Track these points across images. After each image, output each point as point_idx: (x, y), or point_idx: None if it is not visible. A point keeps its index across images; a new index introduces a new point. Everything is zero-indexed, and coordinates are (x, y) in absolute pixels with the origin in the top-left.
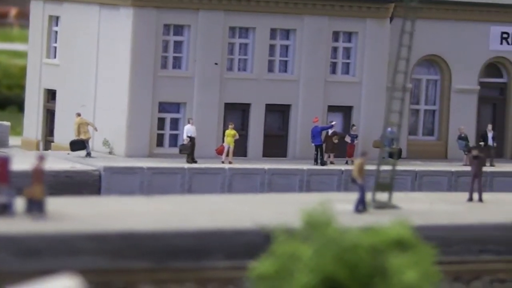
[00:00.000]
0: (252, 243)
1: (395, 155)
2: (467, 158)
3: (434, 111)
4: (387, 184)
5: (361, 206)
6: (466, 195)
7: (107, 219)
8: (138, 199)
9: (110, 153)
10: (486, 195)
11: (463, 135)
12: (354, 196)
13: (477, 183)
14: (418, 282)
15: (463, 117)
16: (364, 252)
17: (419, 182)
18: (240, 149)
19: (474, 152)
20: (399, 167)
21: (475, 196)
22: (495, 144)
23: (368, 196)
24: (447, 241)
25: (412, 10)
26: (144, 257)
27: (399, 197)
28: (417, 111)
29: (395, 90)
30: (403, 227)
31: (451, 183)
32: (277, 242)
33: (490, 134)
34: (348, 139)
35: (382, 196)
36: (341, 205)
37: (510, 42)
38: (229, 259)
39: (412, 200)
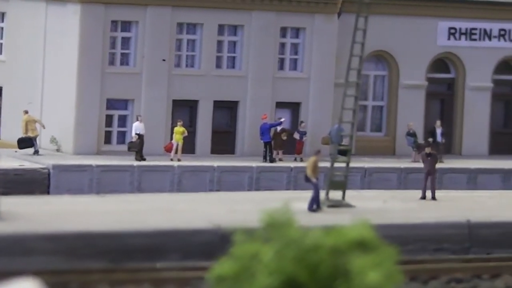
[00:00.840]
0: (208, 243)
1: (348, 153)
2: (415, 155)
3: (382, 107)
4: (341, 183)
5: (315, 205)
6: (417, 192)
7: (61, 219)
8: (90, 198)
9: (58, 150)
10: (438, 193)
11: (411, 131)
12: (305, 194)
13: (430, 180)
14: (381, 283)
15: (411, 113)
16: (325, 253)
17: (368, 179)
18: (188, 146)
19: (428, 150)
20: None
21: (428, 194)
22: (443, 140)
23: (322, 194)
24: (402, 240)
25: (365, 6)
26: (100, 257)
27: (352, 195)
28: (365, 107)
29: (348, 87)
30: (364, 227)
31: (400, 179)
32: (236, 243)
33: (439, 130)
34: (296, 135)
35: (336, 195)
36: (294, 203)
37: (458, 37)
38: (185, 259)
39: (365, 198)
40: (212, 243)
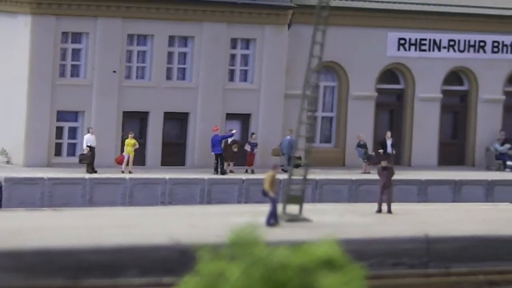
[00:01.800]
0: (168, 259)
1: (306, 167)
2: (365, 166)
3: (331, 118)
4: (298, 197)
5: (272, 219)
6: (372, 205)
7: (18, 235)
8: (46, 213)
9: (8, 162)
10: (393, 206)
11: (362, 142)
12: (259, 207)
13: (386, 194)
14: None
15: (361, 124)
16: (293, 272)
17: (320, 191)
18: (139, 158)
19: (383, 163)
20: (300, 176)
21: (384, 207)
22: (394, 152)
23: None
24: (360, 255)
25: (323, 19)
26: (59, 274)
27: (308, 209)
28: (315, 118)
29: (305, 100)
30: (331, 245)
31: (351, 191)
32: (201, 261)
33: (389, 142)
34: (247, 147)
35: (293, 208)
36: (251, 217)
37: (407, 48)
38: (145, 276)
39: (321, 212)
40: (172, 259)
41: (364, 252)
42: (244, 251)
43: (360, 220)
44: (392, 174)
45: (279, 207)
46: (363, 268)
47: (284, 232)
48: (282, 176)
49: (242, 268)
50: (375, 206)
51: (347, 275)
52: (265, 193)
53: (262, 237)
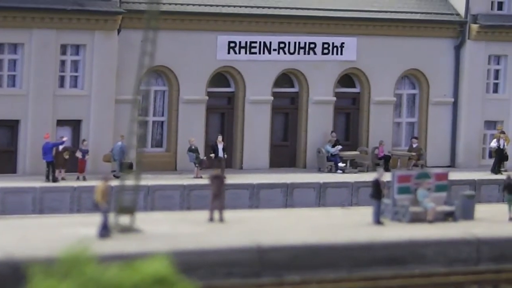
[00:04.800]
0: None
1: (137, 178)
2: (197, 170)
3: (162, 122)
4: (130, 207)
5: (104, 231)
6: (205, 212)
7: None
8: None
9: None
10: (226, 213)
11: (193, 147)
12: (92, 218)
13: (218, 202)
14: None
15: (192, 128)
16: None
17: (151, 197)
18: None
19: (215, 172)
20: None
21: (216, 215)
22: (225, 156)
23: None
24: (192, 265)
25: (154, 30)
26: None
27: (140, 218)
28: (146, 122)
29: (135, 110)
30: (162, 262)
31: (183, 197)
32: (33, 278)
33: (220, 146)
34: (79, 154)
35: (125, 219)
36: (82, 229)
37: (237, 51)
38: None
39: (153, 221)
40: (4, 275)
41: (196, 263)
42: (76, 269)
43: (192, 230)
44: (223, 182)
45: (111, 217)
46: (193, 284)
47: (116, 244)
48: (114, 183)
49: (74, 287)
50: (207, 213)
51: None
52: (96, 205)
53: (93, 254)
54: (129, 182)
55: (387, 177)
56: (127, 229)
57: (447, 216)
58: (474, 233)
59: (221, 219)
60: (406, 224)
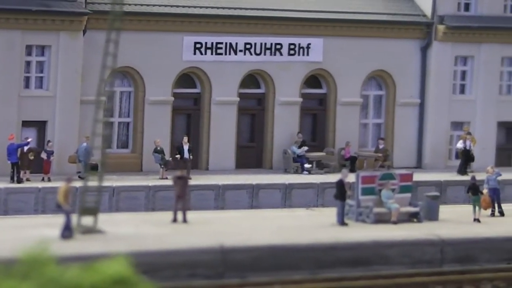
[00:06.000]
0: None
1: (100, 179)
2: (163, 171)
3: (128, 123)
4: (93, 208)
5: (67, 232)
6: (168, 213)
7: None
8: None
9: None
10: (190, 214)
11: (159, 148)
12: (55, 218)
13: (182, 203)
14: None
15: (158, 129)
16: None
17: (116, 198)
18: None
19: (178, 173)
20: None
21: (180, 216)
22: (191, 157)
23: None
24: (155, 267)
25: (117, 30)
26: None
27: (104, 220)
28: (111, 123)
29: (98, 111)
30: (123, 263)
31: (149, 198)
32: None
33: (186, 147)
34: (44, 155)
35: (88, 220)
36: (46, 230)
37: (203, 52)
38: None
39: (117, 222)
40: None
41: (158, 264)
42: (36, 270)
43: (155, 231)
44: (187, 183)
45: (74, 218)
46: (153, 284)
47: (78, 245)
48: (78, 184)
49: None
50: (171, 214)
51: None
52: (59, 206)
53: (54, 255)
54: (93, 183)
55: (351, 178)
56: (90, 230)
57: (412, 217)
58: (438, 234)
59: (185, 220)
60: (370, 225)
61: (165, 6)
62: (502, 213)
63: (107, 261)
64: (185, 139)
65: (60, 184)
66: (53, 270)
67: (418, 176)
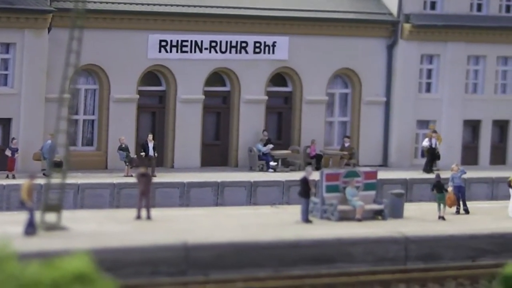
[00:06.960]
0: None
1: (63, 176)
2: (128, 169)
3: (93, 120)
4: (56, 205)
5: (30, 228)
6: (132, 211)
7: None
8: None
9: None
10: (154, 211)
11: (123, 145)
12: (19, 216)
13: (145, 200)
14: None
15: (123, 127)
16: None
17: (81, 196)
18: None
19: (142, 170)
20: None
21: (144, 213)
22: (156, 154)
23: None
24: (117, 264)
25: (79, 29)
26: None
27: (67, 217)
28: (76, 121)
29: (61, 109)
30: (82, 259)
31: (113, 195)
32: None
33: (150, 144)
34: (8, 152)
35: (52, 217)
36: (9, 227)
37: (168, 50)
38: None
39: (80, 219)
40: None
41: (121, 261)
42: None
43: (119, 228)
44: (150, 180)
45: (37, 215)
46: (114, 281)
47: (41, 242)
48: (42, 181)
49: None
50: (135, 212)
51: None
52: (22, 203)
53: (14, 252)
54: (56, 180)
55: (315, 175)
56: (53, 227)
57: (376, 215)
58: (403, 232)
59: (149, 217)
60: (334, 223)
61: (130, 4)
62: (467, 211)
63: (68, 257)
64: (150, 136)
65: (23, 181)
66: (13, 266)
67: (384, 174)
